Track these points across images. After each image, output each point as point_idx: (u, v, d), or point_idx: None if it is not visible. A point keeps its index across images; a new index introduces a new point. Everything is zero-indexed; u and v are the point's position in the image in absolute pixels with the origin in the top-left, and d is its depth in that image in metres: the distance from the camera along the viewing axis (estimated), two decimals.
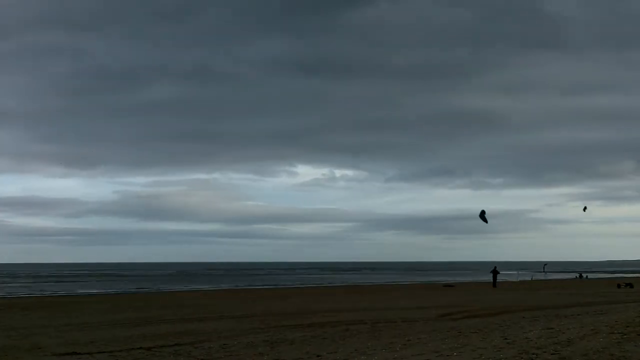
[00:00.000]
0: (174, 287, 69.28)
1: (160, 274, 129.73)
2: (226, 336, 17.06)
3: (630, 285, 49.27)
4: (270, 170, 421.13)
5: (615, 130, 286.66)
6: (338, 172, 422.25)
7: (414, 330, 17.07)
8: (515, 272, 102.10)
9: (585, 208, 48.18)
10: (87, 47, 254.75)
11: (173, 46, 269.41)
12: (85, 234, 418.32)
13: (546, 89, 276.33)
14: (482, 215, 29.22)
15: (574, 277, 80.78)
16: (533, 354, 11.27)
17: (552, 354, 11.16)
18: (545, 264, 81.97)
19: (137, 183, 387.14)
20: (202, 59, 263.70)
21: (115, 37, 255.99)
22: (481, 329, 16.07)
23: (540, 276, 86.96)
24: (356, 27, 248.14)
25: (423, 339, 14.47)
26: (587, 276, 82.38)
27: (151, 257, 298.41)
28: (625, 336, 12.84)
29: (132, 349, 15.08)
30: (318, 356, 12.87)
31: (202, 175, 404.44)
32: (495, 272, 54.99)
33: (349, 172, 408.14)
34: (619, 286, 49.38)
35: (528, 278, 77.99)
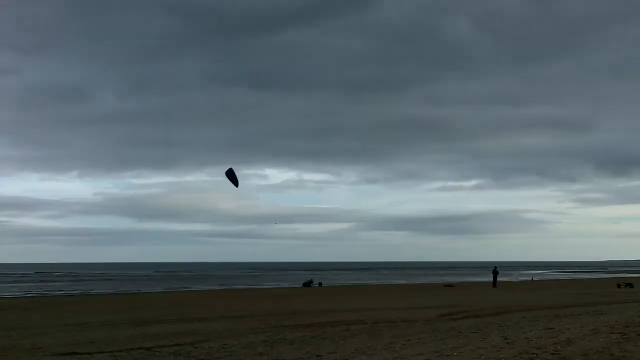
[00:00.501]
0: (174, 287, 69.28)
1: (159, 273, 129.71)
2: (226, 336, 17.06)
3: (630, 285, 49.30)
4: (239, 173, 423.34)
5: (553, 137, 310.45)
6: (306, 176, 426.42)
7: (414, 330, 17.05)
8: (515, 272, 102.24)
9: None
10: (25, 68, 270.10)
11: (114, 63, 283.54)
12: (79, 234, 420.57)
13: (472, 101, 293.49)
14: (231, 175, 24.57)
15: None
16: (533, 354, 11.27)
17: (552, 354, 11.16)
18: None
19: (118, 185, 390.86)
20: (146, 73, 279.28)
21: (56, 58, 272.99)
22: (481, 329, 16.06)
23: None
24: (289, 47, 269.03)
25: (423, 339, 14.47)
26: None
27: (149, 257, 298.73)
28: (625, 336, 12.85)
29: (132, 349, 15.07)
30: (318, 356, 12.87)
31: (176, 179, 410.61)
32: (495, 272, 55.07)
33: (316, 176, 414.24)
34: (618, 286, 49.41)
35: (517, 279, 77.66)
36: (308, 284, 66.03)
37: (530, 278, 79.23)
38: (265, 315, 24.35)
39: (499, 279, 56.69)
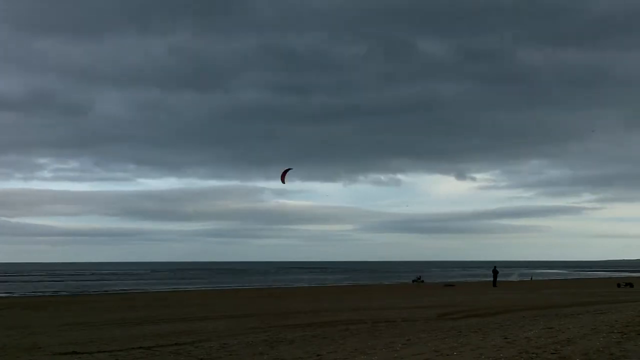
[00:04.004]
0: (174, 286, 69.28)
1: (160, 273, 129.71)
2: (226, 336, 17.04)
3: (630, 285, 49.32)
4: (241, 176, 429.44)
5: None
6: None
7: (414, 329, 17.05)
8: (515, 271, 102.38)
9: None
10: None
11: None
12: (81, 234, 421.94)
13: None
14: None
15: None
16: (533, 353, 11.27)
17: (552, 354, 11.16)
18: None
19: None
20: None
21: None
22: (481, 328, 16.06)
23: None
24: None
25: (423, 339, 14.46)
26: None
27: (149, 257, 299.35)
28: (625, 335, 12.85)
29: (132, 348, 15.05)
30: (318, 355, 12.85)
31: (175, 180, 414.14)
32: (495, 272, 55.08)
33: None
34: (619, 285, 49.44)
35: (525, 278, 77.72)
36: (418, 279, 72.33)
37: (529, 277, 79.25)
38: (265, 315, 24.34)
39: (498, 278, 56.73)
